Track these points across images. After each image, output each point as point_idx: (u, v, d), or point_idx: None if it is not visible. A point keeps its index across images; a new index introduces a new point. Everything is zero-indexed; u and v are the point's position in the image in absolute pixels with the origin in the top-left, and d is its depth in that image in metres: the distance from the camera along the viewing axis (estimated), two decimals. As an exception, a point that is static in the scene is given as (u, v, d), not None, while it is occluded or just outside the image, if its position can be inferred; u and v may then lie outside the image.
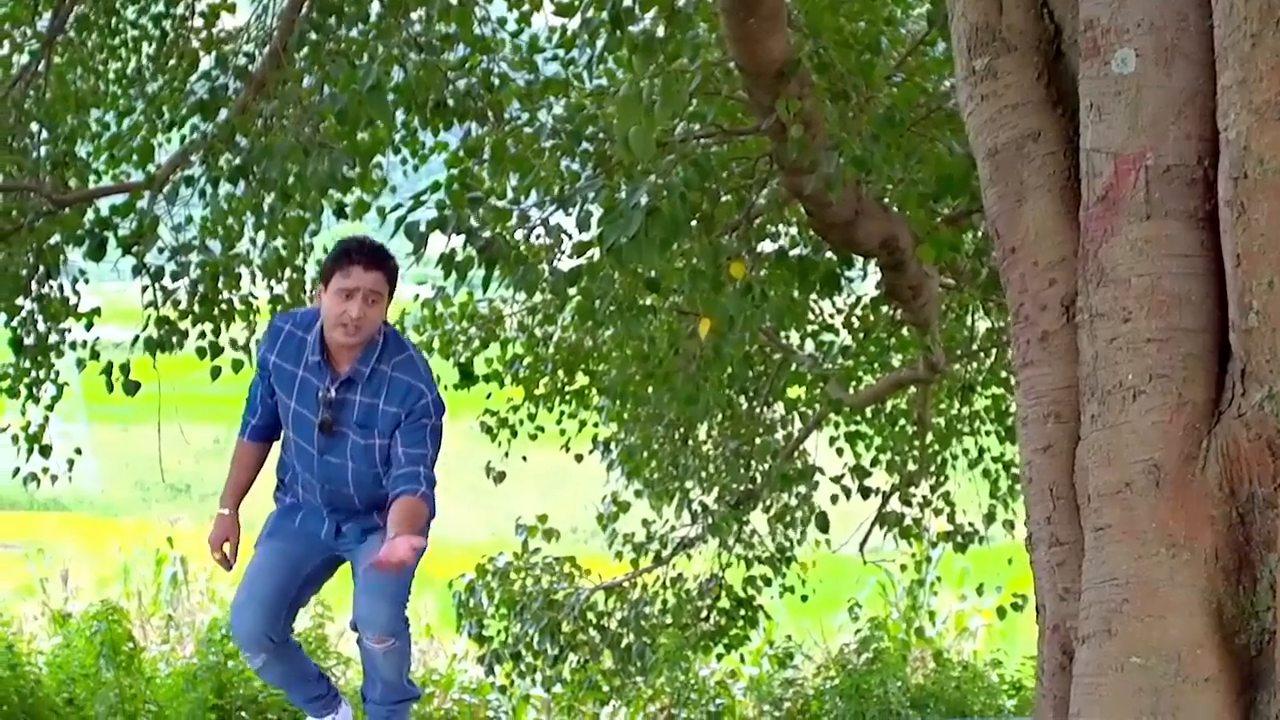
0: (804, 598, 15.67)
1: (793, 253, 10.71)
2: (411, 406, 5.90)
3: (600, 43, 8.65)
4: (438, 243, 8.62)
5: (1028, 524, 4.55)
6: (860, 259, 11.13)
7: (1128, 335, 4.16)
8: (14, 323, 11.21)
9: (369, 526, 6.15)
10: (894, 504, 15.28)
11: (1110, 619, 4.15)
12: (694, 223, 8.75)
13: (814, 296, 11.92)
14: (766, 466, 14.34)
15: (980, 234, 11.15)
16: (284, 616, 6.24)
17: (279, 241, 10.91)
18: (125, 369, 10.44)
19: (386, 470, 5.93)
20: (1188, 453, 4.11)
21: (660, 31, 8.01)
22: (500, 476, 14.87)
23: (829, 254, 10.45)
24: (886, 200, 10.15)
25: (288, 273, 11.14)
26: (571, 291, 10.08)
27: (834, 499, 14.06)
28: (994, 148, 4.54)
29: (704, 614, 15.14)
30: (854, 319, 13.76)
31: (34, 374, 11.68)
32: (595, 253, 9.41)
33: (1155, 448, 4.12)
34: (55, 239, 10.87)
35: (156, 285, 10.77)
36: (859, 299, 13.49)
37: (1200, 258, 4.14)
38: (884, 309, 12.90)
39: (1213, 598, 4.11)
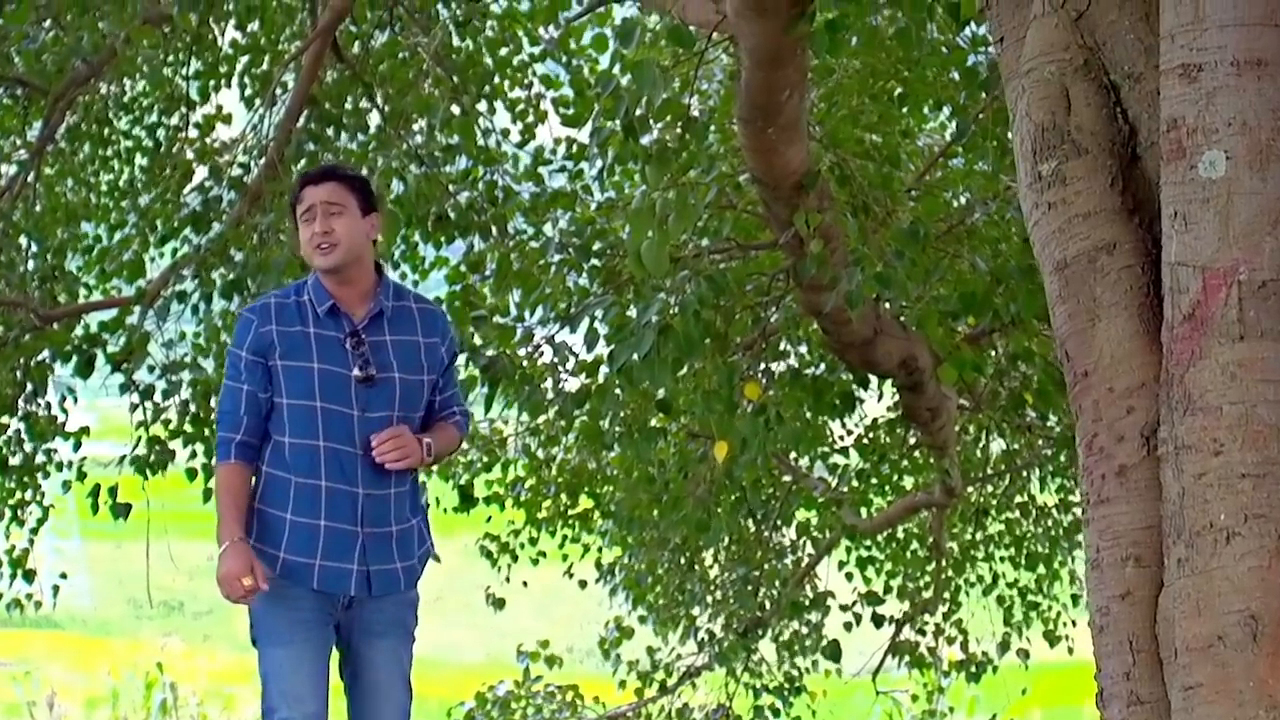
0: (812, 727, 15.30)
1: (807, 372, 10.38)
2: (448, 339, 5.69)
3: (611, 153, 8.33)
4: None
5: (1098, 678, 4.10)
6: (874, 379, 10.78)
7: (1219, 470, 3.73)
8: (-1, 442, 10.84)
9: (391, 572, 5.45)
10: (906, 632, 14.96)
11: (1201, 790, 3.72)
12: (707, 341, 8.38)
13: (825, 417, 11.61)
14: (775, 593, 14.02)
15: (1001, 354, 10.84)
16: None
17: (274, 358, 10.52)
18: (113, 492, 10.04)
19: (422, 419, 5.55)
20: (1289, 603, 3.70)
21: (671, 140, 7.69)
22: (500, 603, 14.57)
23: (844, 374, 10.13)
24: (903, 318, 9.82)
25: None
26: (577, 412, 9.75)
27: (848, 626, 13.72)
28: (1063, 261, 4.12)
29: (710, 745, 14.73)
30: (865, 440, 13.45)
31: (19, 495, 11.32)
32: (603, 372, 9.11)
33: (1252, 597, 3.69)
34: (43, 355, 10.49)
35: (146, 403, 10.40)
36: (875, 420, 13.15)
37: (1301, 383, 3.74)
38: (899, 431, 12.59)
39: (1318, 766, 3.68)
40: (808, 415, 10.83)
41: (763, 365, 10.29)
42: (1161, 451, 3.88)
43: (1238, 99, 3.76)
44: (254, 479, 5.50)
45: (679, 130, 7.78)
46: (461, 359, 8.72)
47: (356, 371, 5.34)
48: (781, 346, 11.01)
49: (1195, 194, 3.79)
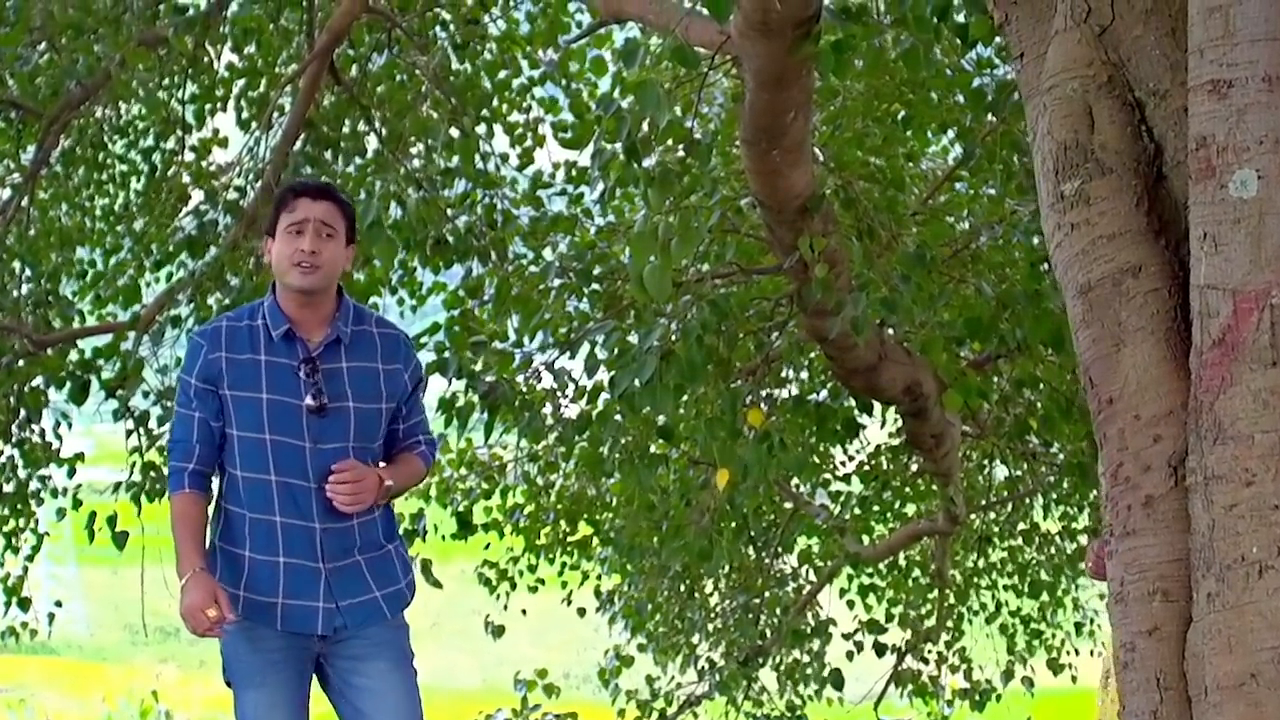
0: (814, 757, 15.19)
1: (810, 399, 10.26)
2: (414, 365, 5.36)
3: (612, 176, 8.20)
4: (436, 387, 8.11)
5: (1123, 716, 3.96)
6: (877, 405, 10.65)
7: (1251, 501, 3.60)
8: (-8, 468, 10.70)
9: (370, 602, 5.19)
10: (909, 660, 14.87)
11: (1232, 834, 3.58)
12: (709, 367, 8.25)
13: (827, 444, 11.50)
14: (776, 621, 13.91)
15: (1006, 380, 10.73)
16: None
17: (271, 385, 10.38)
18: (111, 520, 9.88)
19: (380, 448, 5.27)
20: (1324, 639, 3.56)
21: (672, 163, 7.56)
22: (499, 631, 14.41)
23: (847, 400, 10.01)
24: (907, 344, 9.71)
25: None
26: (577, 439, 9.61)
27: (850, 655, 13.62)
28: (1087, 284, 3.98)
29: (711, 775, 14.63)
30: (866, 466, 13.35)
31: (13, 523, 11.17)
32: (603, 398, 9.00)
33: (1286, 633, 3.57)
34: (37, 381, 10.35)
35: (141, 430, 10.25)
36: (879, 447, 13.04)
37: (1337, 411, 3.60)
38: (902, 458, 12.48)
39: (1354, 809, 3.54)
40: (811, 442, 10.71)
41: (765, 391, 10.18)
42: (1190, 482, 3.75)
43: (1269, 116, 3.63)
44: (216, 514, 5.25)
45: (681, 153, 7.67)
46: (460, 385, 8.61)
47: (309, 401, 5.07)
48: (784, 373, 10.91)
49: (1225, 214, 3.66)
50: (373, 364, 5.22)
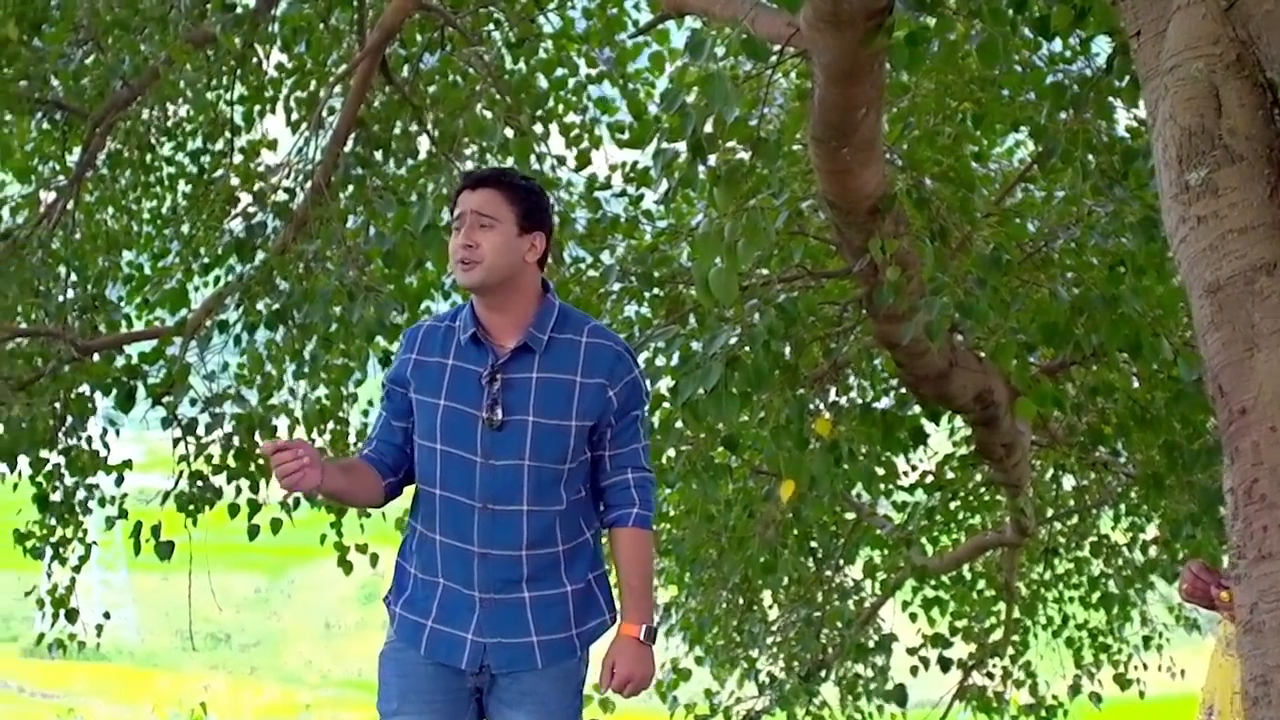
0: (876, 773, 14.88)
1: (876, 407, 9.94)
2: (621, 383, 4.71)
3: (676, 175, 7.90)
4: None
5: (1251, 755, 3.62)
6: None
7: (1405, 523, 3.28)
8: (39, 477, 10.40)
9: (521, 646, 4.69)
10: (974, 675, 14.59)
11: None
12: (776, 374, 7.92)
13: (892, 453, 11.19)
14: (838, 634, 13.61)
15: (1079, 388, 10.39)
16: None
17: (321, 391, 10.11)
18: (156, 530, 9.60)
19: (574, 471, 4.70)
20: None
21: (738, 160, 7.26)
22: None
23: (913, 408, 9.70)
24: (978, 350, 9.39)
25: (330, 424, 10.30)
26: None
27: (914, 671, 13.31)
28: (1215, 282, 3.63)
29: (771, 791, 14.31)
30: (929, 476, 13.02)
31: (60, 532, 10.93)
32: (664, 405, 8.72)
33: None
34: (82, 388, 10.10)
35: (189, 438, 9.98)
36: (947, 456, 12.71)
37: None
38: (970, 467, 12.18)
39: None
40: (877, 451, 10.40)
41: (831, 399, 9.88)
42: (1334, 501, 3.41)
43: None
44: (384, 485, 4.83)
45: (744, 154, 7.38)
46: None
47: (484, 412, 4.61)
48: (849, 380, 10.62)
49: (1375, 205, 3.32)
50: (569, 376, 4.68)
